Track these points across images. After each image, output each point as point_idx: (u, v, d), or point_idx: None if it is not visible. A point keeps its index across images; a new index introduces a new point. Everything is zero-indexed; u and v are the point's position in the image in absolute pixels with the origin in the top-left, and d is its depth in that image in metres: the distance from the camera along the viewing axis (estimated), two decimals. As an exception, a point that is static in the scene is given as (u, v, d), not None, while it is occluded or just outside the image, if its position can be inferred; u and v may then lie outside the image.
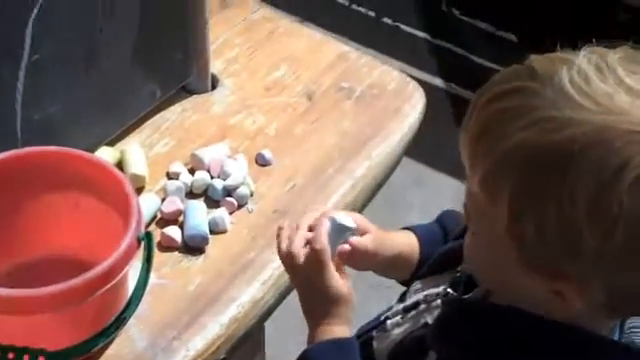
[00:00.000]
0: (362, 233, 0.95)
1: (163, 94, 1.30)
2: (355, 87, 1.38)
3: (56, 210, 1.05)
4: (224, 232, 1.17)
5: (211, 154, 1.23)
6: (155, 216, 1.17)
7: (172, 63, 1.29)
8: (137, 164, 1.20)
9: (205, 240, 1.14)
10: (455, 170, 2.28)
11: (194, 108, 1.33)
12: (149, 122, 1.30)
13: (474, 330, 0.77)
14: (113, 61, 1.19)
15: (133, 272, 0.99)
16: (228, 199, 1.19)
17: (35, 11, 1.04)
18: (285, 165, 1.26)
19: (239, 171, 1.21)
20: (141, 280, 0.97)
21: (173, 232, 1.14)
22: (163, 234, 1.14)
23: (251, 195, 1.21)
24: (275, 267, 1.12)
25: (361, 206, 1.25)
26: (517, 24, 2.73)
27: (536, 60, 0.69)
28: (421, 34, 2.78)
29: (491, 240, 0.72)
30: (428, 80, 2.58)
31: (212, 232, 1.15)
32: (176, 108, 1.33)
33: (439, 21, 2.81)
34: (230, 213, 1.18)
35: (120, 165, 1.20)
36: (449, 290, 0.87)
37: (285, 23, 1.50)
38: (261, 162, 1.26)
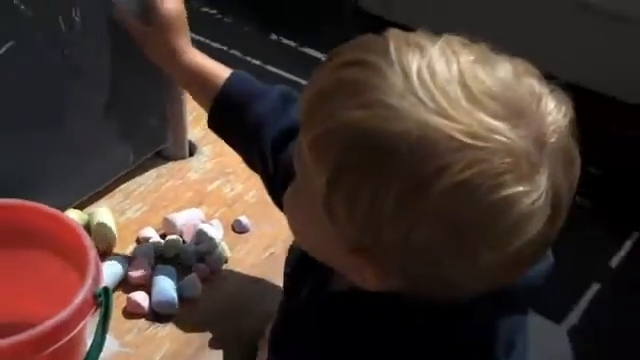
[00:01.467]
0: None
1: (137, 159, 1.25)
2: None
3: (10, 269, 0.98)
4: (195, 299, 1.09)
5: (184, 218, 1.16)
6: (121, 281, 1.09)
7: (147, 128, 1.24)
8: (106, 225, 1.13)
9: (173, 306, 1.06)
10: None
11: (170, 174, 1.27)
12: (122, 187, 1.24)
13: (292, 332, 0.78)
14: (82, 122, 1.13)
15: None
16: (200, 265, 1.12)
17: (-3, 59, 0.99)
18: (263, 232, 1.19)
19: (214, 236, 1.14)
20: (96, 340, 0.89)
21: (139, 297, 1.06)
22: (129, 299, 1.06)
23: (226, 261, 1.14)
24: (250, 335, 1.04)
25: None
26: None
27: (393, 36, 0.66)
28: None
29: (310, 199, 0.69)
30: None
31: (182, 298, 1.08)
32: (151, 174, 1.27)
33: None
34: (202, 279, 1.10)
35: (87, 229, 1.13)
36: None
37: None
38: (238, 229, 1.19)
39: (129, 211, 1.20)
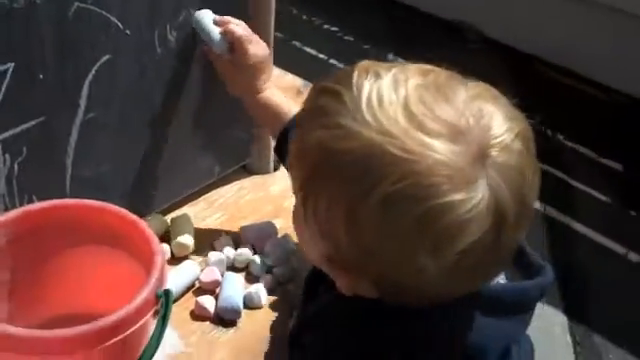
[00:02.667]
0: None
1: (222, 170, 1.32)
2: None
3: (86, 265, 1.06)
4: (259, 308, 1.14)
5: (258, 230, 1.22)
6: (193, 285, 1.16)
7: (233, 142, 1.31)
8: (184, 233, 1.20)
9: (237, 313, 1.12)
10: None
11: (251, 187, 1.34)
12: (205, 196, 1.31)
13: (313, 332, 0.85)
14: (171, 130, 1.21)
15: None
16: (268, 276, 1.17)
17: (93, 71, 1.08)
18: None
19: (283, 250, 1.19)
20: (154, 337, 0.95)
21: (207, 302, 1.12)
22: (197, 303, 1.12)
23: (293, 275, 1.19)
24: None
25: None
26: (623, 152, 2.66)
27: (360, 65, 0.74)
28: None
29: (298, 213, 0.78)
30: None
31: (247, 307, 1.13)
32: (233, 186, 1.34)
33: (541, 144, 2.77)
34: (268, 290, 1.16)
35: (168, 233, 1.21)
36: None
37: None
38: (309, 244, 1.24)
39: (209, 219, 1.27)
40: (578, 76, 2.93)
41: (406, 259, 0.69)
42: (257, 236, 1.21)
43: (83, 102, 1.08)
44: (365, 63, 0.74)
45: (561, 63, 2.94)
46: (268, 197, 1.32)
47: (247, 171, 1.36)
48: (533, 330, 0.85)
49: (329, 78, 0.76)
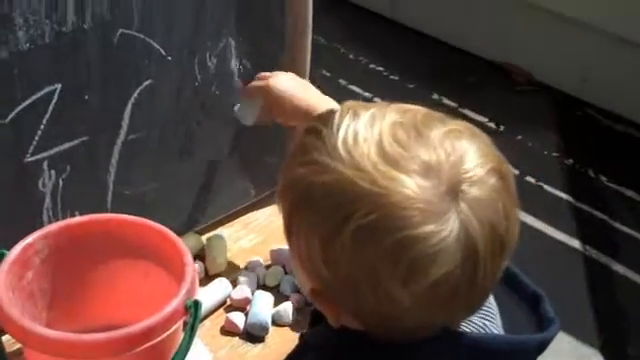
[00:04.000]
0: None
1: (257, 194, 1.37)
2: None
3: (121, 277, 1.11)
4: (287, 325, 1.18)
5: (288, 252, 1.26)
6: (225, 302, 1.20)
7: (267, 165, 1.36)
8: (218, 253, 1.25)
9: (265, 329, 1.16)
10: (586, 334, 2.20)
11: (285, 211, 1.38)
12: (241, 218, 1.36)
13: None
14: (208, 152, 1.27)
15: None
16: (297, 295, 1.21)
17: (135, 94, 1.14)
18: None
19: (312, 270, 1.23)
20: (183, 345, 1.00)
21: (237, 318, 1.17)
22: (227, 319, 1.17)
23: (321, 295, 1.23)
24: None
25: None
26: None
27: (344, 105, 0.77)
28: (564, 196, 2.75)
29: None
30: (565, 241, 2.53)
31: (275, 324, 1.17)
32: (268, 209, 1.38)
33: (584, 185, 2.78)
34: (297, 309, 1.20)
35: (203, 251, 1.26)
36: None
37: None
38: (338, 267, 1.28)
39: (243, 240, 1.32)
40: (623, 119, 2.94)
41: (381, 290, 0.70)
42: (287, 257, 1.25)
43: (125, 123, 1.15)
44: (349, 103, 0.77)
45: (608, 107, 2.95)
46: (301, 221, 1.36)
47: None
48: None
49: (314, 119, 0.79)
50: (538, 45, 3.04)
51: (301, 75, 1.25)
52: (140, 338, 0.96)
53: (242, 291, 1.20)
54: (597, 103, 2.99)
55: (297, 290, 1.22)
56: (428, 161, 0.70)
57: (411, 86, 3.12)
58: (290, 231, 0.76)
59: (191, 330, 1.01)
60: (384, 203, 0.68)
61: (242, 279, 1.22)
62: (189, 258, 1.04)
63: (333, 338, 0.81)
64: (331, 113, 0.76)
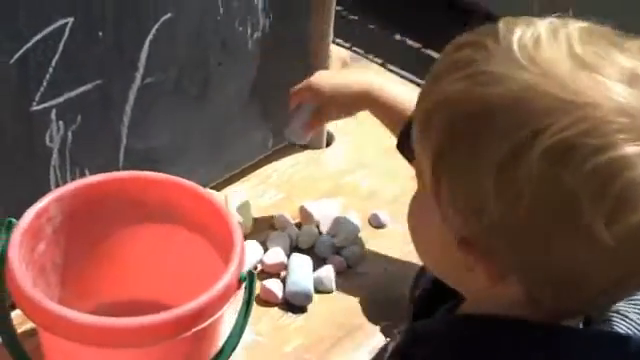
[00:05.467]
0: None
1: (275, 144, 1.22)
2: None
3: (151, 245, 0.96)
4: (329, 292, 1.05)
5: (321, 209, 1.12)
6: (255, 268, 1.06)
7: (287, 111, 1.21)
8: (242, 212, 1.10)
9: (309, 298, 1.02)
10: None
11: (306, 162, 1.24)
12: (258, 171, 1.21)
13: (423, 351, 0.68)
14: (227, 98, 1.11)
15: (227, 320, 0.87)
16: (337, 257, 1.08)
17: (154, 31, 0.97)
18: (400, 229, 1.14)
19: (351, 229, 1.10)
20: (238, 326, 0.86)
21: (274, 286, 1.03)
22: (263, 287, 1.03)
23: (361, 258, 1.09)
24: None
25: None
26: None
27: (506, 19, 0.63)
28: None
29: (423, 200, 0.66)
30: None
31: (316, 291, 1.04)
32: (287, 160, 1.24)
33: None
34: (337, 273, 1.06)
35: (223, 211, 1.11)
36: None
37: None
38: (375, 223, 1.15)
39: (264, 196, 1.17)
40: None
41: (574, 229, 0.56)
42: (322, 214, 1.11)
43: (142, 65, 0.98)
44: (509, 18, 0.63)
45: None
46: (325, 173, 1.23)
47: (300, 145, 1.26)
48: None
49: (464, 35, 0.64)
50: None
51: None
52: (192, 319, 0.80)
53: (276, 254, 1.06)
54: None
55: (336, 252, 1.09)
56: (631, 68, 0.56)
57: (372, 26, 2.98)
58: (437, 162, 0.61)
59: (247, 307, 0.86)
60: (585, 115, 0.55)
61: (274, 241, 1.08)
62: (234, 223, 0.89)
63: (458, 325, 0.67)
64: (486, 27, 0.62)
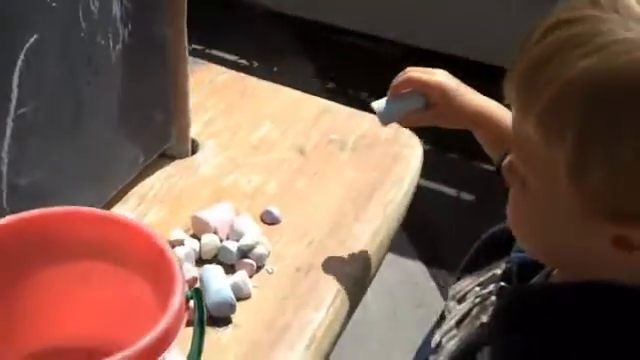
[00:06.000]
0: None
1: (146, 159, 1.16)
2: (346, 138, 1.28)
3: (64, 286, 0.88)
4: (248, 297, 1.02)
5: (215, 215, 1.09)
6: (167, 289, 1.00)
7: (154, 125, 1.16)
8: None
9: (233, 307, 0.99)
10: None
11: (179, 173, 1.19)
12: (135, 190, 1.15)
13: (544, 313, 0.69)
14: (99, 119, 1.05)
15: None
16: (246, 261, 1.05)
17: (22, 56, 0.89)
18: (296, 222, 1.13)
19: (252, 230, 1.07)
20: (195, 347, 0.81)
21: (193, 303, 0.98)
22: (182, 306, 0.97)
23: (268, 255, 1.07)
24: (315, 327, 0.98)
25: (384, 252, 1.14)
26: None
27: None
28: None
29: (547, 190, 0.65)
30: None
31: (236, 298, 1.00)
32: (160, 174, 1.18)
33: None
34: (250, 276, 1.04)
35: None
36: (502, 284, 0.78)
37: (253, 82, 1.39)
38: (269, 220, 1.13)
39: (150, 215, 1.12)
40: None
41: None
42: (217, 221, 1.08)
43: (14, 95, 0.90)
44: None
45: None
46: (202, 180, 1.19)
47: (167, 157, 1.21)
48: None
49: (545, 20, 0.63)
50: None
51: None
52: (157, 347, 0.75)
53: (187, 270, 1.01)
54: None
55: (243, 256, 1.05)
56: None
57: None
58: (583, 143, 0.60)
59: (201, 326, 0.82)
60: None
61: (179, 257, 1.03)
62: (161, 241, 0.84)
63: (580, 291, 0.67)
64: (572, 4, 0.61)
